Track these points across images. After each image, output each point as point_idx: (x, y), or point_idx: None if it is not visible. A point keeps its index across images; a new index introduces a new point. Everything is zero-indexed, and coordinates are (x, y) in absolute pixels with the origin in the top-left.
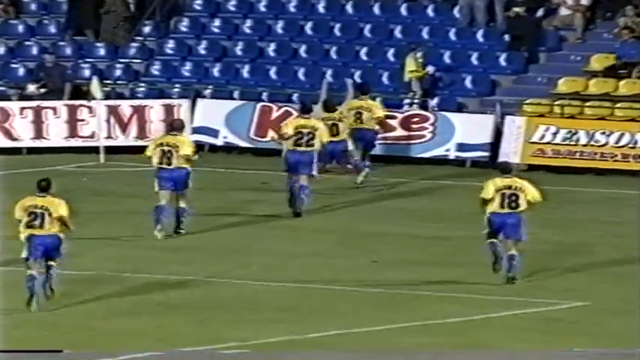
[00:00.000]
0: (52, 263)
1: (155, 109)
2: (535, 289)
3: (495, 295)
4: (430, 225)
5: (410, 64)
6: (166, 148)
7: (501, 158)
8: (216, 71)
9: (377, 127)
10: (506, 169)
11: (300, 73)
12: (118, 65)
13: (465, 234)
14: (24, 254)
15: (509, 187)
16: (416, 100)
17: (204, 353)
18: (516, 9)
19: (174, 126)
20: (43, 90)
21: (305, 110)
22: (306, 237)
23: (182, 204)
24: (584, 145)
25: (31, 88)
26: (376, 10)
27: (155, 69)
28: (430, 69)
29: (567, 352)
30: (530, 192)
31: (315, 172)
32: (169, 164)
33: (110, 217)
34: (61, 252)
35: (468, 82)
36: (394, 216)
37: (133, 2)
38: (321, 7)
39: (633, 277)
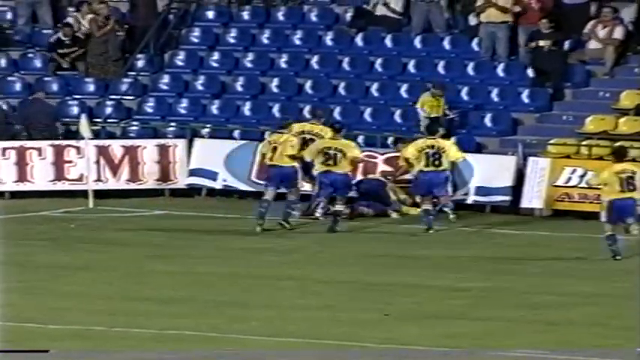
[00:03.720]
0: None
1: (148, 150)
2: (563, 344)
3: (522, 349)
4: (447, 275)
5: (426, 102)
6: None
7: (524, 203)
8: (214, 108)
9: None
10: (432, 132)
11: (306, 111)
12: (109, 102)
13: (486, 285)
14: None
15: (432, 147)
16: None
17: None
18: (541, 42)
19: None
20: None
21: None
22: (312, 288)
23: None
24: None
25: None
26: (388, 42)
27: (149, 106)
28: (451, 113)
29: (568, 352)
30: (452, 152)
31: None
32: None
33: (100, 266)
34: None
35: (487, 121)
36: (408, 265)
37: (124, 34)
38: (328, 40)
39: None
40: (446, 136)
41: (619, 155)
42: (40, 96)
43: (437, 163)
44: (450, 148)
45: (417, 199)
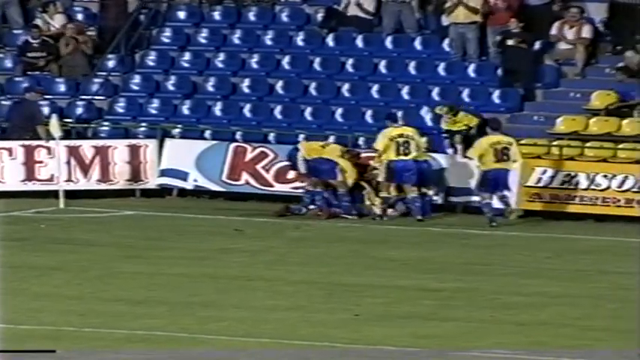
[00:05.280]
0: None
1: (119, 150)
2: (533, 344)
3: (492, 349)
4: (417, 275)
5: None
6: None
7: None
8: (185, 109)
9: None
10: (393, 118)
11: (277, 111)
12: (79, 102)
13: (457, 285)
14: None
15: (401, 136)
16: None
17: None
18: (510, 42)
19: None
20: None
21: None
22: (283, 289)
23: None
24: (585, 190)
25: None
26: (359, 43)
27: (119, 106)
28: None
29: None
30: (418, 139)
31: None
32: None
33: (71, 267)
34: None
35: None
36: (378, 266)
37: (95, 33)
38: (299, 40)
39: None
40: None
41: (494, 127)
42: (29, 97)
43: (406, 152)
44: (416, 136)
45: (384, 187)
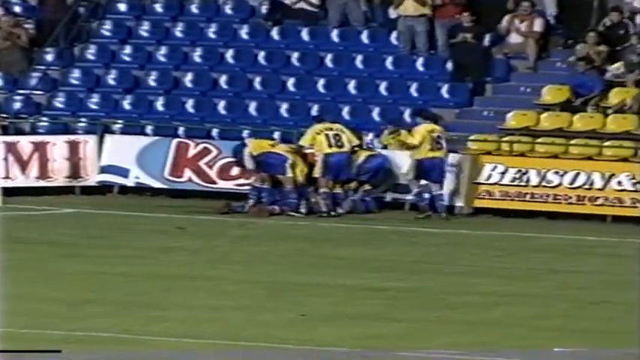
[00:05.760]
0: None
1: (58, 146)
2: (483, 344)
3: (442, 349)
4: (365, 275)
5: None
6: None
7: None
8: (126, 104)
9: None
10: (319, 119)
11: (221, 107)
12: (17, 97)
13: (404, 285)
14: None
15: (330, 129)
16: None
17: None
18: (460, 36)
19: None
20: None
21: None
22: (227, 289)
23: None
24: (535, 186)
25: None
26: (305, 36)
27: (59, 101)
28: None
29: (565, 352)
30: (349, 134)
31: None
32: None
33: (8, 266)
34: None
35: (406, 116)
36: (325, 265)
37: (33, 26)
38: (243, 34)
39: (594, 334)
40: None
41: (427, 116)
42: None
43: (339, 144)
44: (346, 130)
45: (323, 182)
